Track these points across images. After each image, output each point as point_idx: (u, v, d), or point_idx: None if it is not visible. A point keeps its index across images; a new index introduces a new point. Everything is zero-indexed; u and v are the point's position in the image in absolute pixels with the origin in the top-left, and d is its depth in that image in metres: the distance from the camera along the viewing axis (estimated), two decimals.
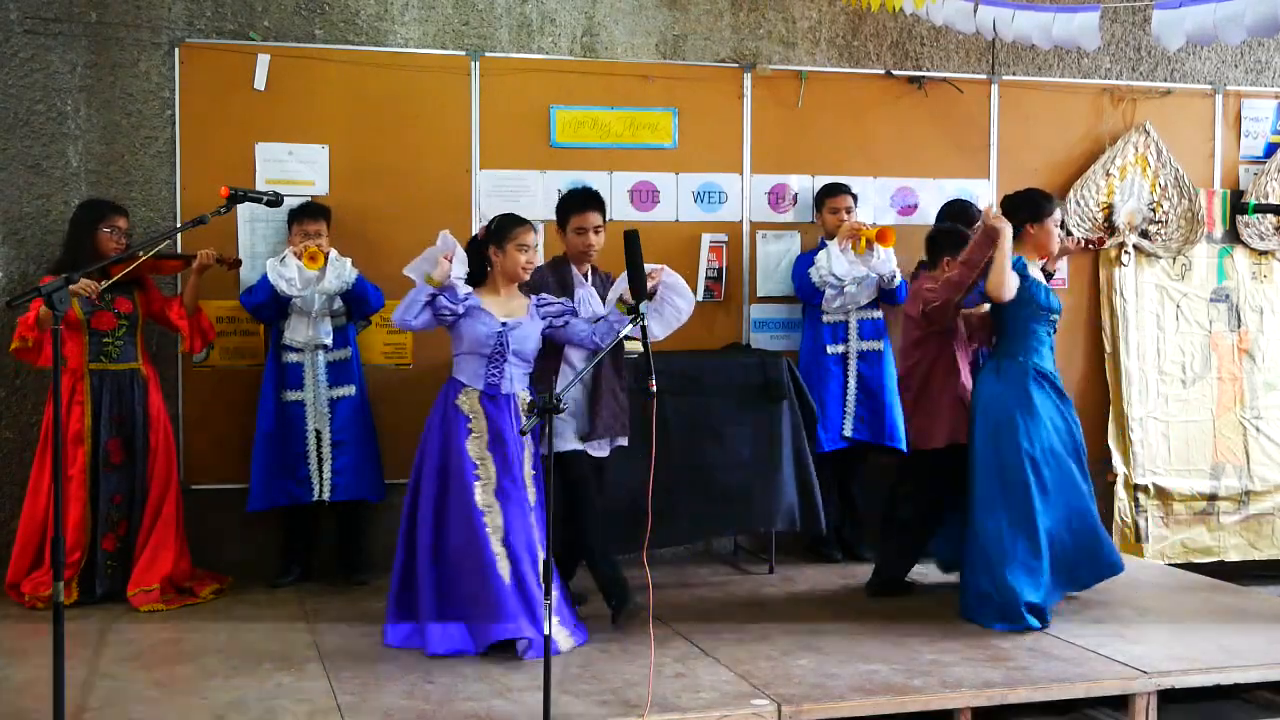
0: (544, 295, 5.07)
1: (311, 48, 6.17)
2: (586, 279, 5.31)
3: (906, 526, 5.83)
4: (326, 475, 5.87)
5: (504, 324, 4.90)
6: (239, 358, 6.09)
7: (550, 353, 5.08)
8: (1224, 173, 7.40)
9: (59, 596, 3.63)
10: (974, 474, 5.40)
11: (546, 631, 3.92)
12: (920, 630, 5.21)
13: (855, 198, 6.57)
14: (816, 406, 6.28)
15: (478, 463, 4.91)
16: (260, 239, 6.09)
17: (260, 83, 6.08)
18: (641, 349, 4.46)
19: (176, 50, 6.01)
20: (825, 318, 6.46)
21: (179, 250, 5.85)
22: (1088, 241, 6.50)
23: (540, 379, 4.89)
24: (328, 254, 5.74)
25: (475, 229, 6.30)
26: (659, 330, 4.94)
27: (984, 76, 7.07)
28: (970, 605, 5.36)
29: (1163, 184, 7.18)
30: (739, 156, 6.71)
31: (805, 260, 6.50)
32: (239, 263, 5.95)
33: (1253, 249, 7.37)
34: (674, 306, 4.97)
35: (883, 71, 6.91)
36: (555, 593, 4.26)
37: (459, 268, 4.90)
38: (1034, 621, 5.20)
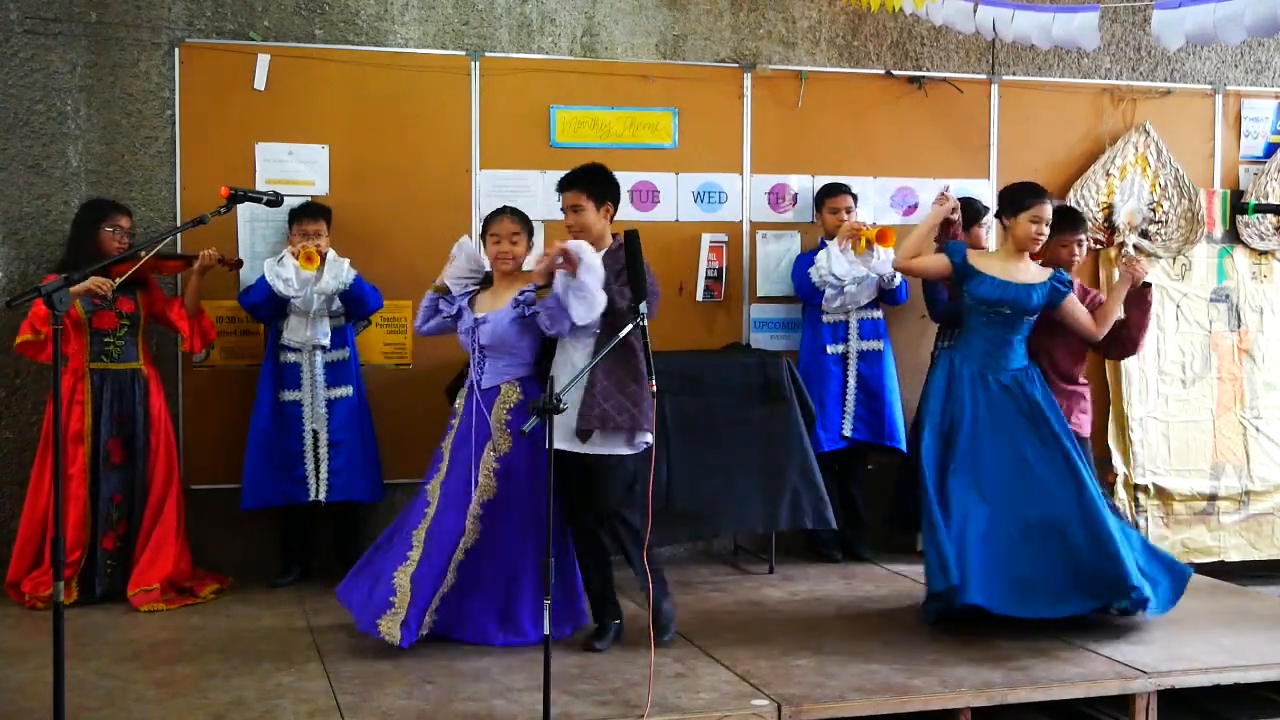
0: (530, 286, 4.99)
1: (311, 48, 6.17)
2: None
3: None
4: (323, 475, 5.87)
5: (476, 319, 4.93)
6: (239, 358, 6.09)
7: (548, 350, 5.05)
8: (1224, 173, 7.40)
9: (59, 596, 3.63)
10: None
11: (546, 631, 3.92)
12: (920, 630, 5.21)
13: (855, 198, 6.57)
14: (816, 406, 6.28)
15: (443, 454, 5.01)
16: (260, 239, 6.09)
17: (260, 83, 6.08)
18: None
19: (176, 50, 6.02)
20: (825, 318, 6.46)
21: (179, 250, 5.86)
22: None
23: (541, 377, 4.88)
24: (324, 254, 5.74)
25: (475, 229, 6.33)
26: (582, 313, 4.64)
27: (984, 76, 7.07)
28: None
29: (1163, 184, 7.18)
30: (739, 156, 6.72)
31: (805, 260, 6.50)
32: (240, 263, 5.95)
33: (1253, 249, 7.37)
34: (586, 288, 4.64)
35: (883, 71, 6.91)
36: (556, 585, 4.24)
37: (453, 270, 4.96)
38: (929, 615, 5.24)
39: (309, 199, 6.03)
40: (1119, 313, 5.50)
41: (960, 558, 5.08)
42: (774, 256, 6.75)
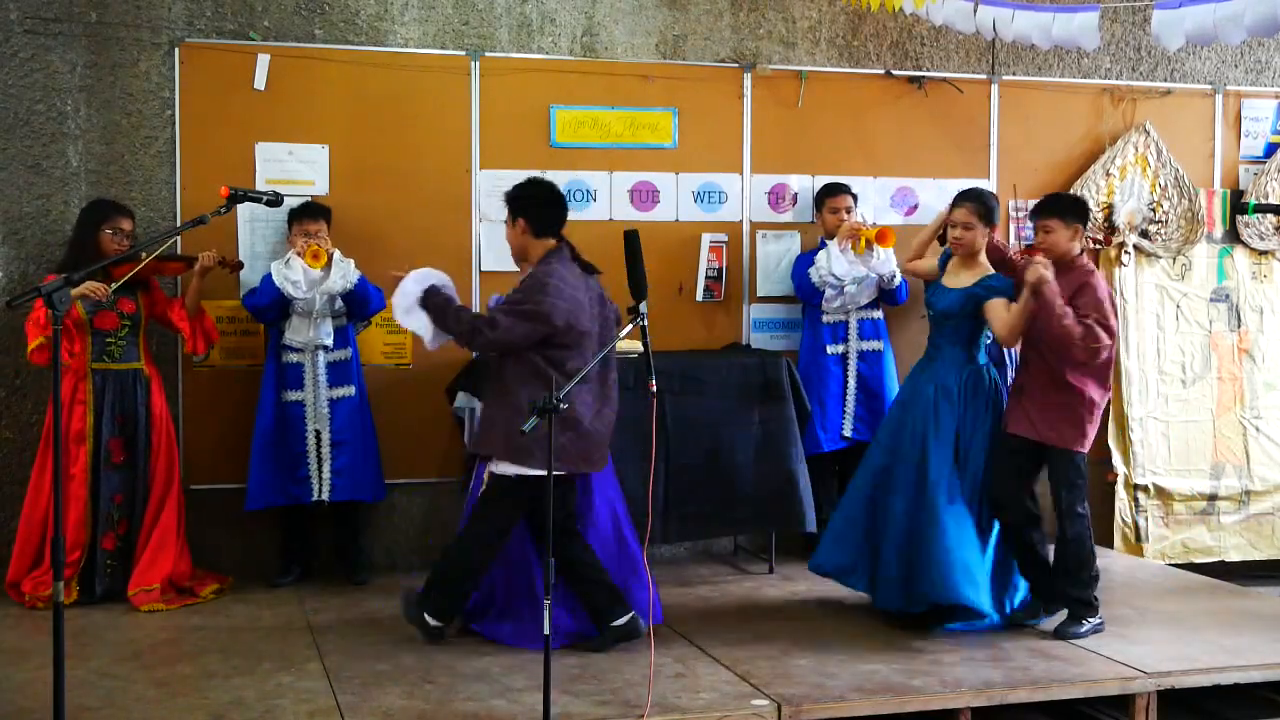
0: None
1: (311, 48, 6.17)
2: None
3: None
4: (326, 475, 5.87)
5: None
6: (239, 358, 6.09)
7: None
8: (1224, 173, 7.40)
9: (59, 596, 3.63)
10: None
11: (546, 631, 3.92)
12: (920, 630, 5.21)
13: (855, 198, 6.57)
14: (816, 406, 6.29)
15: None
16: (260, 239, 6.09)
17: (260, 83, 6.08)
18: (641, 349, 4.46)
19: (176, 50, 6.01)
20: (825, 318, 6.46)
21: (179, 251, 5.86)
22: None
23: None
24: (331, 253, 5.75)
25: (476, 229, 6.34)
26: (429, 340, 4.99)
27: (984, 76, 7.07)
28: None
29: (1163, 184, 7.18)
30: (739, 156, 6.71)
31: (805, 260, 6.50)
32: (240, 265, 5.95)
33: (1253, 249, 7.37)
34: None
35: (883, 71, 6.91)
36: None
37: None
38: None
39: (309, 199, 6.03)
40: (1023, 320, 5.12)
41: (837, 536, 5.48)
42: (774, 256, 6.75)
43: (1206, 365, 7.26)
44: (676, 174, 6.62)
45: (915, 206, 6.92)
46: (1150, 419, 7.14)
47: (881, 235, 6.26)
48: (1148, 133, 7.17)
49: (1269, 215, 7.23)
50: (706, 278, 6.64)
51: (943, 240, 5.61)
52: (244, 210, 6.02)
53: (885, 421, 5.65)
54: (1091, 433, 5.20)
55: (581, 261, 4.99)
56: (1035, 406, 5.16)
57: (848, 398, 6.45)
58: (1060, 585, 5.20)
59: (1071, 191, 7.05)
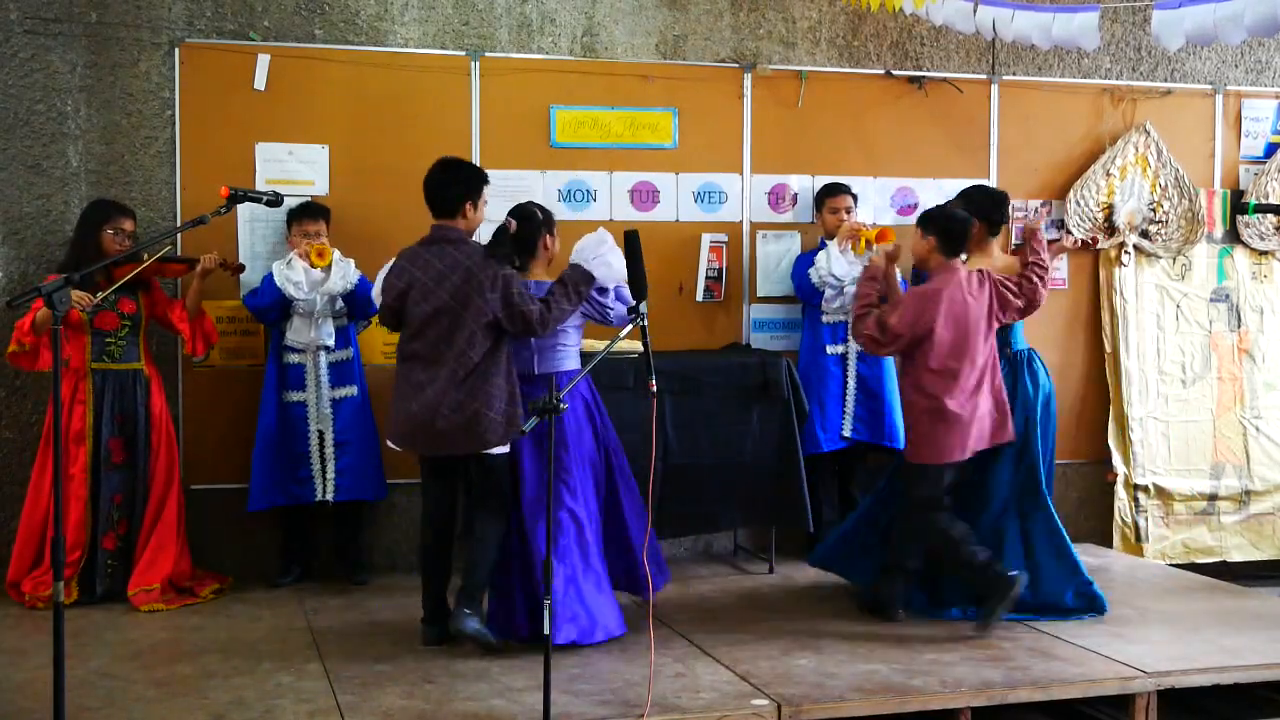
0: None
1: (311, 48, 6.17)
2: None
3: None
4: (329, 476, 5.87)
5: None
6: (239, 358, 6.09)
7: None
8: (1224, 173, 7.40)
9: (59, 596, 3.63)
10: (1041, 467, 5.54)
11: (546, 631, 3.92)
12: (920, 630, 5.21)
13: (855, 198, 6.58)
14: (816, 407, 6.29)
15: None
16: (260, 239, 6.09)
17: (260, 83, 6.08)
18: (641, 349, 4.46)
19: (176, 50, 6.01)
20: (825, 318, 6.46)
21: (179, 251, 5.86)
22: (1084, 242, 6.63)
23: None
24: (333, 252, 5.76)
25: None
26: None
27: (984, 76, 7.07)
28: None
29: (1163, 184, 7.18)
30: (739, 156, 6.71)
31: (805, 260, 6.50)
32: (241, 268, 5.96)
33: (1253, 249, 7.36)
34: None
35: (883, 71, 6.91)
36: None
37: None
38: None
39: (309, 199, 6.03)
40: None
41: None
42: (774, 256, 6.75)
43: (1206, 365, 7.26)
44: (676, 174, 6.62)
45: (915, 206, 6.92)
46: (1150, 419, 7.14)
47: (881, 235, 6.26)
48: (1148, 133, 7.16)
49: (1269, 215, 7.23)
50: (706, 278, 6.64)
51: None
52: (244, 210, 6.02)
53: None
54: (928, 441, 5.30)
55: (441, 237, 4.93)
56: None
57: (847, 398, 6.45)
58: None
59: (1071, 191, 7.07)
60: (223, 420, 6.05)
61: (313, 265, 5.67)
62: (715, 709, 4.24)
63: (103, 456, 5.58)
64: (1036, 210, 7.00)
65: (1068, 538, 5.49)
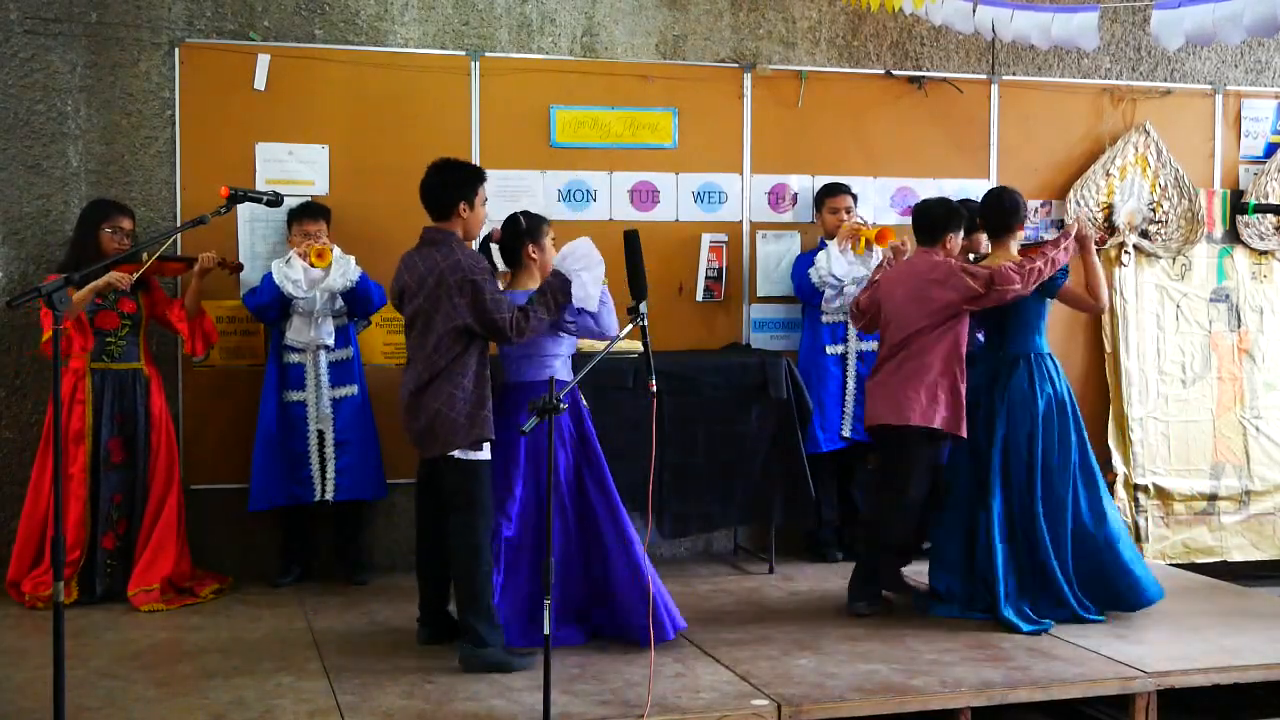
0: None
1: (311, 48, 6.17)
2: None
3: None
4: (330, 475, 5.87)
5: None
6: (239, 358, 6.09)
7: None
8: (1224, 173, 7.40)
9: (59, 596, 3.63)
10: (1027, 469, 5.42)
11: (546, 631, 3.92)
12: (920, 630, 5.21)
13: (855, 198, 6.58)
14: (815, 407, 6.29)
15: None
16: (260, 239, 6.09)
17: (260, 83, 6.08)
18: (641, 349, 4.46)
19: (176, 50, 6.02)
20: (825, 318, 6.47)
21: (179, 251, 5.86)
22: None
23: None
24: (333, 250, 5.76)
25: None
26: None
27: (984, 76, 7.07)
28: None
29: (1163, 184, 7.18)
30: (739, 156, 6.71)
31: (805, 260, 6.50)
32: (240, 267, 5.96)
33: (1253, 249, 7.37)
34: None
35: (883, 71, 6.91)
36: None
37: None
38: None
39: (309, 199, 6.04)
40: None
41: None
42: (774, 256, 6.75)
43: (1206, 365, 7.26)
44: (676, 174, 6.62)
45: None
46: (1150, 419, 7.14)
47: (881, 235, 6.26)
48: (1148, 133, 7.17)
49: (1269, 215, 7.23)
50: (706, 278, 6.64)
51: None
52: (244, 210, 6.02)
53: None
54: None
55: (427, 239, 4.89)
56: None
57: (847, 398, 6.45)
58: None
59: (1071, 191, 7.07)
60: (223, 420, 6.05)
61: (313, 266, 5.67)
62: (715, 709, 4.24)
63: (102, 456, 5.58)
64: (1036, 210, 6.99)
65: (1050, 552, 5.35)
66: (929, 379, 5.30)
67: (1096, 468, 5.49)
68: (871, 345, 6.45)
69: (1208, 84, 7.42)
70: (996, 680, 4.58)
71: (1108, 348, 7.14)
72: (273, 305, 5.76)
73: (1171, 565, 6.87)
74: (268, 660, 4.76)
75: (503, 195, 6.25)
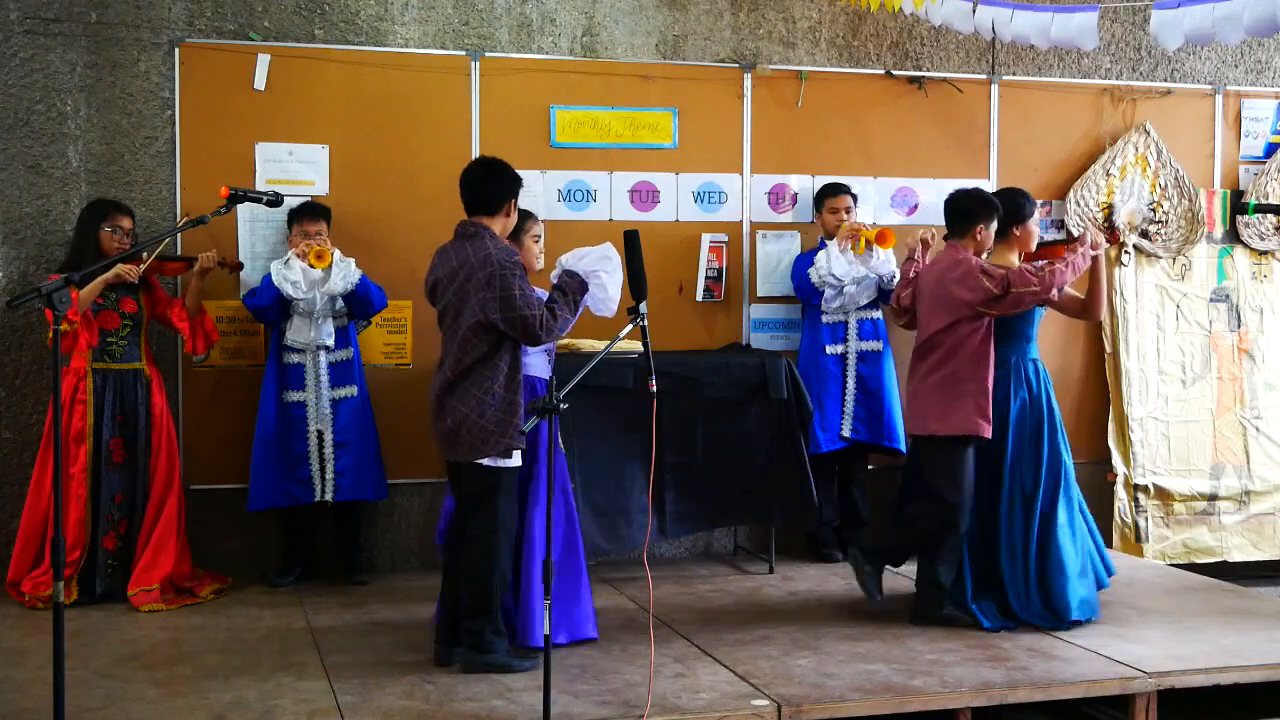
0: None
1: (311, 48, 6.17)
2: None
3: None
4: (329, 476, 5.87)
5: None
6: (239, 358, 6.09)
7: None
8: (1224, 173, 7.40)
9: (59, 596, 3.63)
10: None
11: (546, 631, 3.92)
12: (920, 630, 5.21)
13: (855, 198, 6.58)
14: (815, 407, 6.29)
15: None
16: (260, 239, 6.09)
17: (260, 83, 6.08)
18: (641, 349, 4.46)
19: (176, 50, 6.02)
20: (825, 318, 6.47)
21: (179, 251, 5.86)
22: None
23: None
24: (332, 253, 5.76)
25: None
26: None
27: (984, 76, 7.07)
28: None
29: (1163, 184, 7.18)
30: (739, 156, 6.72)
31: (805, 260, 6.50)
32: (240, 266, 5.96)
33: (1253, 249, 7.37)
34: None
35: (883, 71, 6.91)
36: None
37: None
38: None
39: (309, 199, 6.04)
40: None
41: None
42: (774, 256, 6.75)
43: (1206, 365, 7.26)
44: (676, 174, 6.62)
45: (915, 206, 6.92)
46: (1150, 419, 7.14)
47: (881, 236, 6.26)
48: (1148, 133, 7.17)
49: (1269, 215, 7.23)
50: (706, 278, 6.64)
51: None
52: (244, 210, 6.02)
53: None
54: None
55: (462, 232, 4.74)
56: None
57: (847, 398, 6.45)
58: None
59: (1071, 191, 7.07)
60: (223, 420, 6.05)
61: (312, 267, 5.67)
62: (715, 709, 4.24)
63: (103, 456, 5.59)
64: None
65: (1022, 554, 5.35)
66: (956, 386, 5.22)
67: (1067, 475, 5.38)
68: (872, 345, 6.46)
69: (1208, 84, 7.42)
70: (996, 680, 4.58)
71: (1108, 348, 7.14)
72: (273, 306, 5.76)
73: (1171, 565, 6.88)
74: (268, 660, 4.76)
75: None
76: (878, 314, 6.49)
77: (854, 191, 6.59)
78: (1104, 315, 5.96)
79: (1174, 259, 7.24)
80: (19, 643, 5.01)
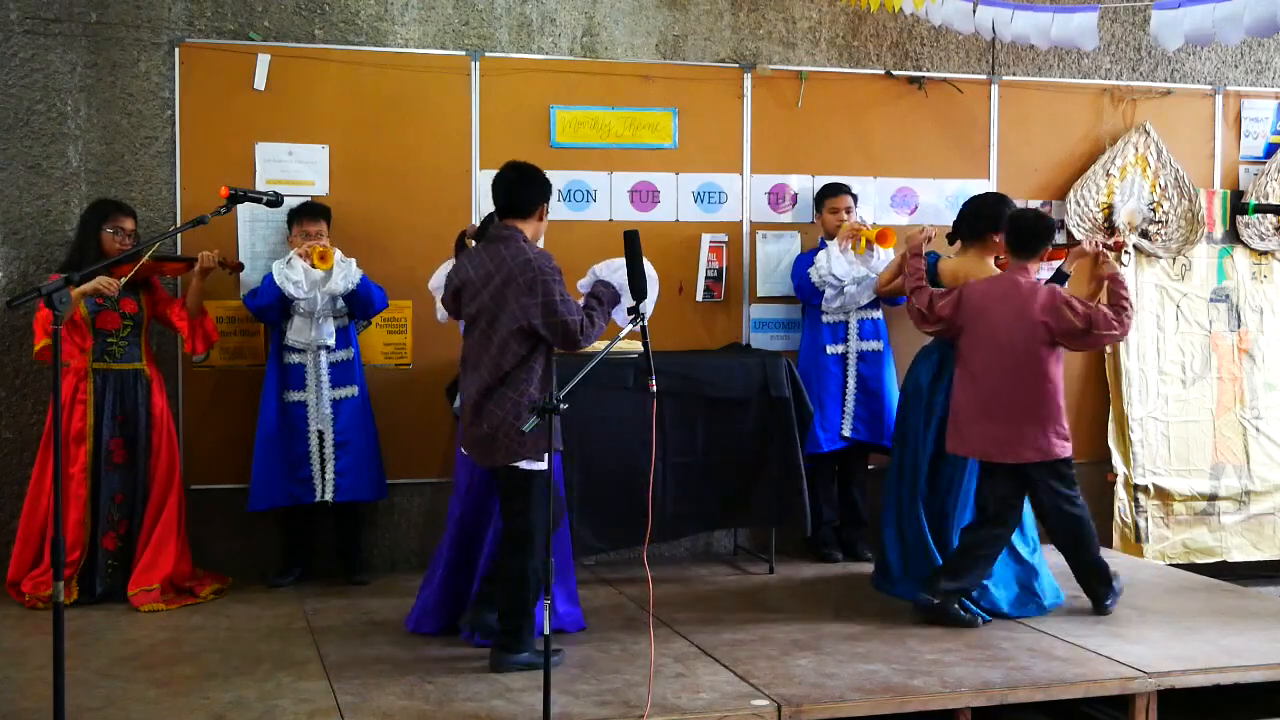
0: None
1: (311, 48, 6.17)
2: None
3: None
4: (329, 476, 5.87)
5: None
6: (239, 358, 6.09)
7: None
8: (1224, 173, 7.40)
9: (59, 596, 3.63)
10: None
11: (546, 631, 3.92)
12: (920, 630, 5.21)
13: (855, 198, 6.58)
14: (816, 406, 6.29)
15: None
16: (260, 239, 6.09)
17: (260, 83, 6.08)
18: (641, 349, 4.46)
19: (176, 50, 6.02)
20: (825, 318, 6.47)
21: (179, 251, 5.86)
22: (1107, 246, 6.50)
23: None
24: (335, 253, 5.76)
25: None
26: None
27: (984, 76, 7.07)
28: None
29: (1163, 184, 7.18)
30: (739, 156, 6.72)
31: (805, 260, 6.50)
32: (240, 266, 5.96)
33: (1253, 249, 7.37)
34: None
35: (883, 71, 6.91)
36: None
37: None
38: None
39: (309, 199, 6.04)
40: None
41: None
42: (774, 256, 6.75)
43: (1206, 365, 7.26)
44: (676, 174, 6.62)
45: (915, 207, 6.92)
46: (1150, 419, 7.14)
47: (882, 236, 6.27)
48: (1148, 133, 7.17)
49: (1269, 215, 7.23)
50: (706, 278, 6.65)
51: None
52: (244, 210, 6.02)
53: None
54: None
55: (497, 235, 4.72)
56: None
57: (847, 398, 6.45)
58: None
59: (1071, 191, 7.07)
60: (223, 420, 6.05)
61: (314, 268, 5.67)
62: (715, 709, 4.24)
63: (103, 456, 5.58)
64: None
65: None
66: (1050, 410, 5.34)
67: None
68: (873, 345, 6.46)
69: (1208, 84, 7.42)
70: (996, 680, 4.58)
71: (1108, 348, 7.14)
72: (273, 306, 5.77)
73: (1171, 565, 6.88)
74: (268, 660, 4.76)
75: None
76: (878, 314, 6.49)
77: (854, 191, 6.59)
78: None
79: (1174, 259, 7.24)
80: (19, 643, 5.01)
